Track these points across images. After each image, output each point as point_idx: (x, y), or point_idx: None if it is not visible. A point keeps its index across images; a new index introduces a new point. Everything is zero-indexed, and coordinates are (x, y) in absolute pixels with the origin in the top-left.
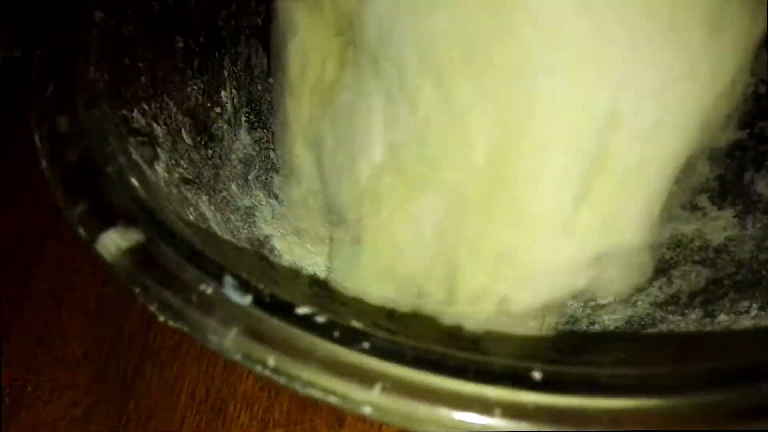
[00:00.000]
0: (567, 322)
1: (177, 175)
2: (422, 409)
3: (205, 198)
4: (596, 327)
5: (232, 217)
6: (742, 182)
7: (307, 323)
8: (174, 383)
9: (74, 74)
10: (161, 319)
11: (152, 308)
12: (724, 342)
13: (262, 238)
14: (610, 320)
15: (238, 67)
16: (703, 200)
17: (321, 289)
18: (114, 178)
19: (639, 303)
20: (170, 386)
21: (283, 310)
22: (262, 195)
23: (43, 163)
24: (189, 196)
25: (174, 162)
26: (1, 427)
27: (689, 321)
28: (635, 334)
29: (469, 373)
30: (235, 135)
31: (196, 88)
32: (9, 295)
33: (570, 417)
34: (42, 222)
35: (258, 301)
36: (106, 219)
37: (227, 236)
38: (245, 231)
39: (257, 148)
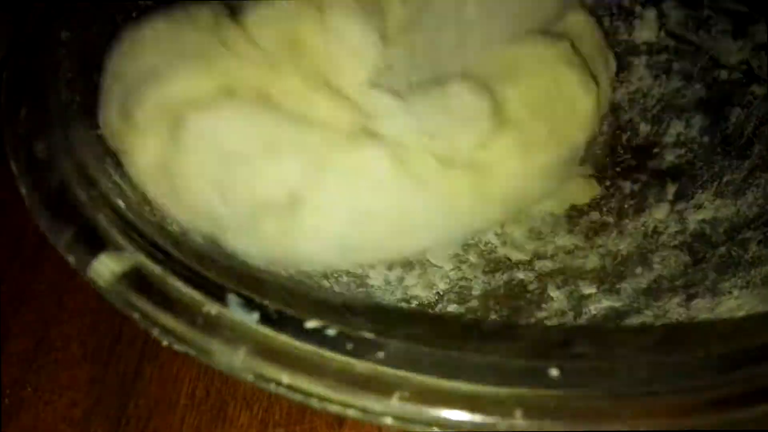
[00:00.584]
0: (554, 315)
1: None
2: (443, 416)
3: None
4: (582, 319)
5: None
6: (713, 168)
7: (318, 337)
8: (174, 383)
9: (46, 96)
10: (165, 343)
11: (154, 334)
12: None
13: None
14: (596, 309)
15: None
16: (673, 186)
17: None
18: (99, 201)
19: (622, 292)
20: (170, 386)
21: (291, 325)
22: None
23: (23, 191)
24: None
25: None
26: (1, 427)
27: (672, 306)
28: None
29: (486, 376)
30: None
31: None
32: (9, 295)
33: (591, 412)
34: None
35: (265, 318)
36: (96, 244)
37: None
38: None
39: None
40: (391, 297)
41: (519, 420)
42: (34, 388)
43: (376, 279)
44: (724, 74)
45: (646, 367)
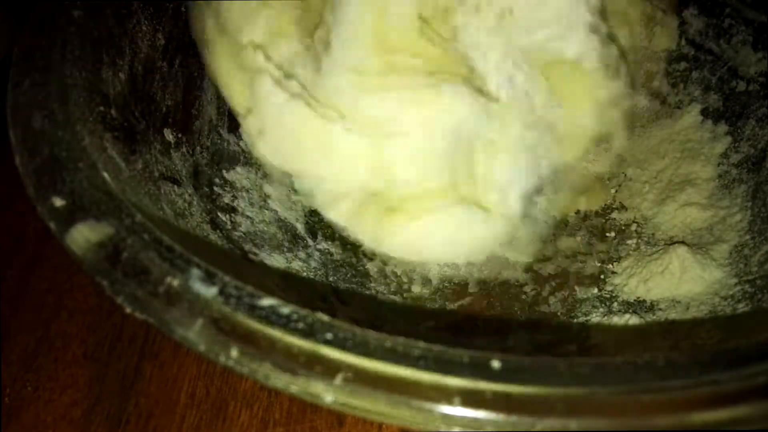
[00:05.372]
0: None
1: (156, 171)
2: (383, 398)
3: (185, 194)
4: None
5: (214, 213)
6: (723, 180)
7: (271, 314)
8: (174, 383)
9: (50, 71)
10: (128, 311)
11: (119, 300)
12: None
13: (242, 233)
14: (589, 314)
15: None
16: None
17: (291, 283)
18: (86, 173)
19: (615, 304)
20: (170, 386)
21: (248, 301)
22: (243, 190)
23: (17, 158)
24: (167, 191)
25: (153, 158)
26: (1, 427)
27: (667, 317)
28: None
29: (429, 363)
30: (217, 132)
31: (177, 84)
32: (9, 295)
33: (527, 405)
34: (42, 222)
35: (223, 293)
36: (77, 213)
37: (206, 231)
38: (227, 225)
39: (240, 145)
40: (384, 289)
41: (457, 407)
42: (35, 387)
43: (372, 270)
44: (742, 85)
45: (588, 365)
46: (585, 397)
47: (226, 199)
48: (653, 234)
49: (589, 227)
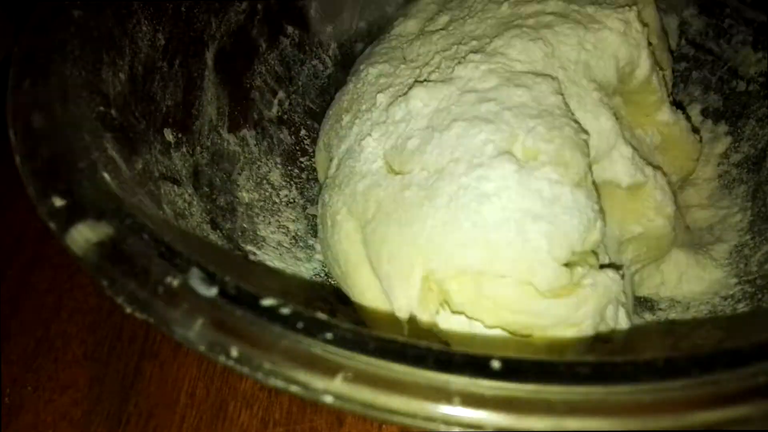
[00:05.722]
0: None
1: (156, 172)
2: (383, 398)
3: (185, 194)
4: None
5: (214, 213)
6: (723, 180)
7: (271, 314)
8: (174, 383)
9: (50, 71)
10: (128, 311)
11: (119, 300)
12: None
13: (242, 232)
14: None
15: (221, 65)
16: (681, 194)
17: (291, 283)
18: (86, 173)
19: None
20: (170, 386)
21: (248, 301)
22: (243, 191)
23: (17, 159)
24: (167, 191)
25: (153, 158)
26: (1, 427)
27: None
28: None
29: (429, 363)
30: (217, 132)
31: (177, 84)
32: (9, 295)
33: (527, 405)
34: (42, 222)
35: (223, 293)
36: (77, 213)
37: (206, 231)
38: (227, 225)
39: (240, 145)
40: None
41: (456, 407)
42: (35, 388)
43: None
44: (742, 85)
45: (589, 364)
46: (585, 397)
47: (227, 199)
48: None
49: None
